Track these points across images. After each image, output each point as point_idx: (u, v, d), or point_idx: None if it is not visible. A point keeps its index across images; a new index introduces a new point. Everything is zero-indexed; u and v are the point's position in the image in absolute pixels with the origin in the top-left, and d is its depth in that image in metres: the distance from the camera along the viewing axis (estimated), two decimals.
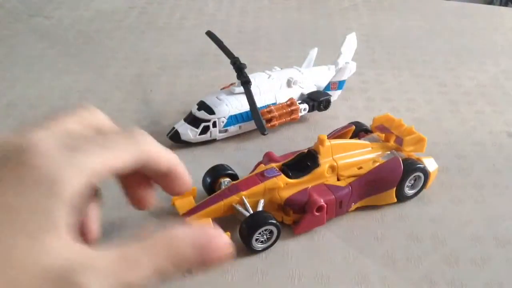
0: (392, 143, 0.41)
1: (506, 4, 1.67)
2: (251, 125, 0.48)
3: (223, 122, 0.46)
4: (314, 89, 0.52)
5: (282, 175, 0.37)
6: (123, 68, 0.63)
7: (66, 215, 0.21)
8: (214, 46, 0.51)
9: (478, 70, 0.63)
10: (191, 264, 0.25)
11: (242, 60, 0.48)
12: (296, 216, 0.36)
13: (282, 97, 0.49)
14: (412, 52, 0.68)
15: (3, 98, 0.56)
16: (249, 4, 0.86)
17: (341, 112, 0.53)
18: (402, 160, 0.38)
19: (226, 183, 0.38)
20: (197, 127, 0.46)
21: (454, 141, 0.49)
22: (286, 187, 0.37)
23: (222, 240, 0.26)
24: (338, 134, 0.43)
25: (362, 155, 0.39)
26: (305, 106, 0.49)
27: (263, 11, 0.83)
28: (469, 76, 0.62)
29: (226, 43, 0.51)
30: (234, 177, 0.39)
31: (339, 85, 0.53)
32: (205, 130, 0.46)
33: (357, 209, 0.39)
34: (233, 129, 0.47)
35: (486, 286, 0.33)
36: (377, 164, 0.39)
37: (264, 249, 0.35)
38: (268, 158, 0.40)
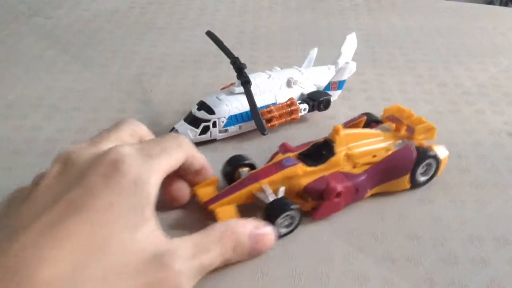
0: (403, 132, 0.43)
1: (506, 4, 1.67)
2: (251, 125, 0.48)
3: (223, 122, 0.46)
4: (314, 89, 0.52)
5: (300, 164, 0.38)
6: (123, 68, 0.63)
7: (153, 209, 0.26)
8: (214, 46, 0.51)
9: (478, 70, 0.63)
10: (246, 253, 0.32)
11: (242, 60, 0.48)
12: (314, 203, 0.38)
13: (282, 97, 0.49)
14: (412, 52, 0.68)
15: (3, 98, 0.56)
16: (249, 4, 0.86)
17: (341, 112, 0.53)
18: (414, 148, 0.40)
19: (245, 172, 0.40)
20: (197, 127, 0.46)
21: (454, 141, 0.48)
22: (304, 175, 0.38)
23: (271, 232, 0.33)
24: (350, 124, 0.45)
25: (376, 144, 0.41)
26: (305, 106, 0.49)
27: (263, 11, 0.83)
28: (469, 76, 0.62)
29: (226, 43, 0.51)
30: (252, 167, 0.41)
31: (339, 85, 0.53)
32: (205, 130, 0.46)
33: (357, 209, 0.39)
34: (233, 129, 0.47)
35: (486, 286, 0.33)
36: (390, 152, 0.40)
37: (286, 234, 0.36)
38: (285, 148, 0.41)
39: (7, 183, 0.42)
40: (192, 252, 0.27)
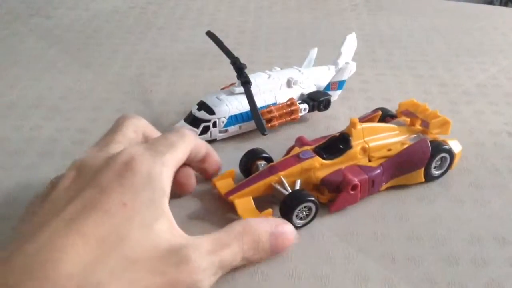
0: (418, 126, 0.44)
1: (506, 4, 1.67)
2: (251, 125, 0.48)
3: (223, 122, 0.46)
4: (314, 89, 0.52)
5: (317, 157, 0.39)
6: (123, 68, 0.63)
7: (167, 203, 0.27)
8: (214, 46, 0.51)
9: (478, 70, 0.63)
10: (267, 251, 0.32)
11: (242, 60, 0.48)
12: (330, 195, 0.39)
13: (282, 97, 0.49)
14: (412, 52, 0.68)
15: (3, 98, 0.56)
16: (249, 4, 0.86)
17: (341, 112, 0.53)
18: (429, 142, 0.41)
19: (262, 165, 0.41)
20: (197, 127, 0.46)
21: None
22: (321, 167, 0.39)
23: (292, 230, 0.33)
24: (366, 119, 0.46)
25: (391, 138, 0.42)
26: (305, 106, 0.49)
27: (263, 11, 0.83)
28: (469, 76, 0.62)
29: (226, 43, 0.51)
30: (269, 160, 0.42)
31: (339, 85, 0.53)
32: (205, 130, 0.46)
33: (357, 209, 0.39)
34: (233, 129, 0.47)
35: (486, 286, 0.33)
36: (405, 145, 0.41)
37: (303, 225, 0.37)
38: (301, 142, 0.42)
39: (7, 183, 0.42)
40: (211, 247, 0.27)
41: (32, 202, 0.30)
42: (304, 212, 0.37)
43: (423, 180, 0.41)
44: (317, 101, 0.50)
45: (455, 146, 0.42)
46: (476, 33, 0.75)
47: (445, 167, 0.42)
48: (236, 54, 0.49)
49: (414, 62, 0.65)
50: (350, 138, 0.40)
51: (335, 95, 0.53)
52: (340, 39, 0.55)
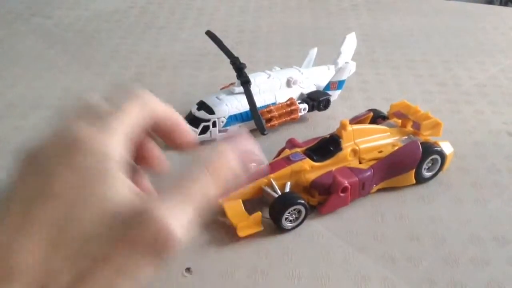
0: (409, 128, 0.44)
1: (506, 4, 1.67)
2: (251, 125, 0.47)
3: (223, 122, 0.46)
4: (314, 89, 0.52)
5: (307, 159, 0.39)
6: (123, 68, 0.63)
7: (122, 171, 0.24)
8: (214, 46, 0.51)
9: (478, 69, 0.63)
10: (237, 176, 0.26)
11: (242, 60, 0.48)
12: (321, 197, 0.38)
13: (282, 97, 0.49)
14: (412, 52, 0.68)
15: (3, 98, 0.56)
16: (249, 4, 0.86)
17: (341, 111, 0.53)
18: (420, 144, 0.40)
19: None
20: (197, 127, 0.46)
21: (454, 141, 0.48)
22: (311, 170, 0.39)
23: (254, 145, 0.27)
24: (357, 120, 0.45)
25: (382, 140, 0.42)
26: (305, 106, 0.49)
27: (263, 11, 0.83)
28: (469, 75, 0.62)
29: (225, 43, 0.51)
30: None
31: (339, 84, 0.53)
32: (205, 130, 0.46)
33: (357, 209, 0.39)
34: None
35: (486, 286, 0.33)
36: (396, 147, 0.41)
37: (293, 228, 0.37)
38: (292, 144, 0.42)
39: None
40: (179, 197, 0.23)
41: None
42: (294, 215, 0.36)
43: (414, 182, 0.41)
44: (317, 100, 0.50)
45: (446, 147, 0.42)
46: (476, 33, 0.75)
47: (437, 169, 0.42)
48: (235, 54, 0.49)
49: (414, 62, 0.65)
50: (341, 140, 0.40)
51: (334, 95, 0.53)
52: (340, 39, 0.55)
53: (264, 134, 0.45)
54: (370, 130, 0.42)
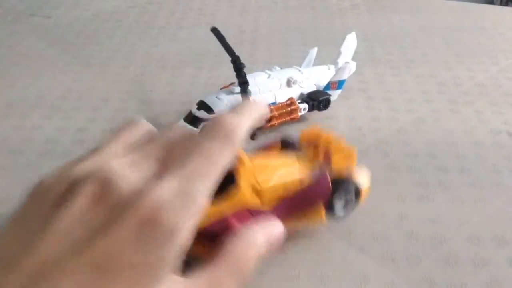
0: (320, 159, 0.37)
1: (506, 4, 1.67)
2: None
3: None
4: (314, 88, 0.52)
5: None
6: (123, 68, 0.63)
7: (175, 256, 0.21)
8: (214, 46, 0.51)
9: (478, 70, 0.63)
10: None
11: (242, 60, 0.48)
12: (211, 246, 0.28)
13: (281, 97, 0.49)
14: (412, 51, 0.68)
15: (3, 98, 0.56)
16: (249, 3, 0.86)
17: (340, 111, 0.53)
18: (331, 179, 0.34)
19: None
20: (197, 127, 0.46)
21: (454, 141, 0.48)
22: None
23: (279, 226, 0.26)
24: (264, 149, 0.39)
25: (288, 176, 0.34)
26: (305, 105, 0.49)
27: (263, 11, 0.83)
28: (469, 75, 0.62)
29: None
30: None
31: (339, 84, 0.53)
32: None
33: (357, 209, 0.39)
34: None
35: (486, 286, 0.33)
36: (304, 183, 0.34)
37: None
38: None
39: (7, 183, 0.42)
40: None
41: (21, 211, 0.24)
42: None
43: (325, 221, 0.35)
44: (317, 100, 0.50)
45: (362, 180, 0.36)
46: (476, 33, 0.75)
47: (351, 205, 0.36)
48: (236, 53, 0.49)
49: (414, 62, 0.65)
50: (238, 177, 0.31)
51: (334, 95, 0.53)
52: (340, 38, 0.55)
53: (252, 139, 0.44)
54: (275, 164, 0.35)
